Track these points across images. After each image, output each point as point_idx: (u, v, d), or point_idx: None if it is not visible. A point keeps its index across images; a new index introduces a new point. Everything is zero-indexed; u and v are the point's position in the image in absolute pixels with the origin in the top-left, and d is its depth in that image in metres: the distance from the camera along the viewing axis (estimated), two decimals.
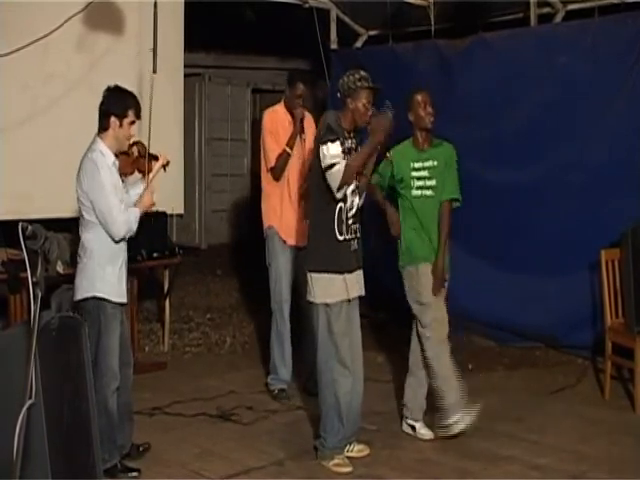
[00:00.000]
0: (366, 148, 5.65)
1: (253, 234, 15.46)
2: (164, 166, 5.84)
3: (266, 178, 7.26)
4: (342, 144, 5.60)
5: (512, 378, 7.74)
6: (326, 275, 5.66)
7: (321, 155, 5.56)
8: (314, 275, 5.70)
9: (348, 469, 5.70)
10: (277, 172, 7.09)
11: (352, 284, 5.75)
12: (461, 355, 8.38)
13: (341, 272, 5.66)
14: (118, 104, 5.47)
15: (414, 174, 6.20)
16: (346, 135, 5.70)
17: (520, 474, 5.61)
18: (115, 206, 5.38)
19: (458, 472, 5.67)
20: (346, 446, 5.87)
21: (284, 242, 7.15)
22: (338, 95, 5.74)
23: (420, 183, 6.20)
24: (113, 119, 5.45)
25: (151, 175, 5.77)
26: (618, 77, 7.48)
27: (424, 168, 6.20)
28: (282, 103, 7.26)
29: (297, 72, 7.46)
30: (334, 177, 5.52)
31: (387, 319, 9.69)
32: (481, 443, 6.16)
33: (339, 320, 5.69)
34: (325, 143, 5.54)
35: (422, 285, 6.25)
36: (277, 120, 7.19)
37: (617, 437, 6.14)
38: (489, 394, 7.28)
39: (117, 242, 5.48)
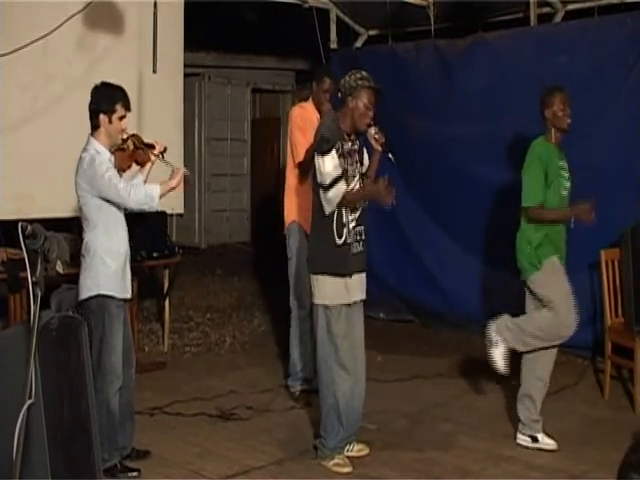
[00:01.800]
0: (365, 193, 5.64)
1: (255, 234, 15.58)
2: (162, 153, 5.81)
3: (292, 173, 7.18)
4: (339, 149, 5.55)
5: (512, 378, 7.72)
6: (326, 277, 5.65)
7: (317, 169, 5.54)
8: (314, 277, 5.71)
9: (348, 469, 5.69)
10: (306, 167, 6.91)
11: (354, 287, 5.72)
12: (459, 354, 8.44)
13: (341, 275, 5.64)
14: (105, 101, 5.47)
15: (562, 172, 6.03)
16: (346, 138, 5.65)
17: (520, 474, 5.61)
18: (118, 184, 5.37)
19: (458, 472, 5.66)
20: (346, 446, 5.86)
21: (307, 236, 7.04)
22: (339, 95, 5.69)
23: (567, 184, 6.05)
24: (102, 116, 5.46)
25: (149, 165, 5.77)
26: (618, 77, 7.48)
27: (564, 168, 6.05)
28: (310, 100, 7.20)
29: (325, 67, 7.37)
30: (329, 200, 5.53)
31: (387, 318, 9.69)
32: (481, 443, 6.16)
33: (339, 322, 5.67)
34: (320, 155, 5.51)
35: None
36: (305, 116, 7.11)
37: (617, 437, 6.10)
38: (490, 394, 7.30)
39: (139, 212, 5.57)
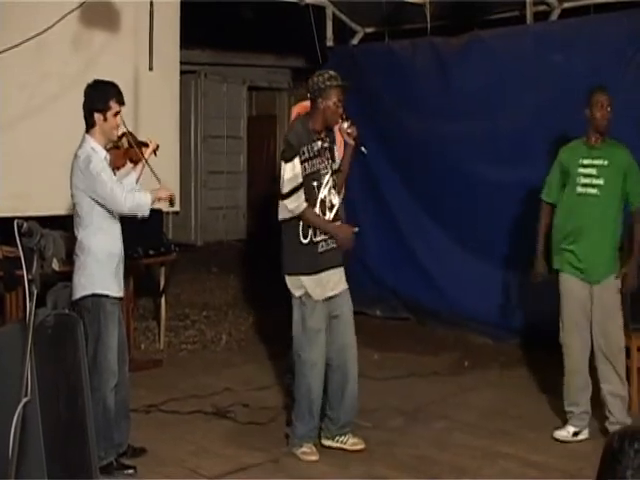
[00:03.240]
0: (325, 227, 5.77)
1: (251, 231, 15.57)
2: (154, 151, 5.87)
3: None
4: (305, 153, 5.69)
5: (508, 376, 7.74)
6: (297, 277, 5.79)
7: (280, 174, 5.72)
8: (287, 277, 5.87)
9: (314, 457, 5.80)
10: None
11: (327, 284, 5.82)
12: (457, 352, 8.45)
13: (305, 274, 5.76)
14: (98, 99, 5.48)
15: (581, 170, 6.03)
16: (315, 137, 5.80)
17: (517, 472, 5.61)
18: (114, 188, 5.39)
19: (455, 470, 5.65)
20: (315, 437, 5.94)
21: None
22: (308, 96, 5.83)
23: (586, 181, 6.02)
24: (97, 115, 5.47)
25: (143, 162, 5.80)
26: (614, 75, 7.47)
27: (593, 166, 6.02)
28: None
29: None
30: (282, 209, 5.73)
31: (384, 316, 9.70)
32: (478, 440, 6.15)
33: (313, 317, 5.77)
34: (283, 161, 5.71)
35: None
36: None
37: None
38: (485, 391, 7.30)
39: (129, 216, 5.56)
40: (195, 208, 15.13)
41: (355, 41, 10.44)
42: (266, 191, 15.85)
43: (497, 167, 8.47)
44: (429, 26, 8.97)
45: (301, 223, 5.72)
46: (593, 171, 6.01)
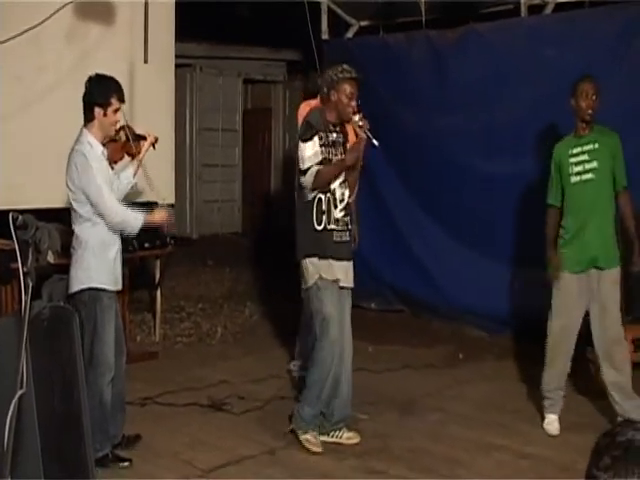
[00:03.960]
0: (339, 164, 5.75)
1: (246, 224, 15.57)
2: (153, 144, 5.89)
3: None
4: (322, 138, 5.70)
5: (503, 368, 7.75)
6: (310, 260, 5.77)
7: (299, 154, 5.70)
8: (301, 262, 5.83)
9: (317, 449, 5.79)
10: None
11: (338, 271, 5.82)
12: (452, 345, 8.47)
13: (324, 257, 5.76)
14: (100, 93, 5.46)
15: (572, 160, 6.01)
16: (331, 128, 5.81)
17: (510, 463, 5.63)
18: (108, 198, 5.41)
19: (449, 462, 5.67)
20: (319, 426, 5.93)
21: None
22: (324, 90, 5.83)
23: (579, 168, 6.00)
24: (97, 109, 5.45)
25: (141, 155, 5.84)
26: (607, 68, 7.47)
27: (583, 152, 6.00)
28: (318, 98, 7.13)
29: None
30: (306, 182, 5.68)
31: (379, 309, 9.71)
32: (472, 432, 6.17)
33: (331, 301, 5.78)
34: (303, 142, 5.68)
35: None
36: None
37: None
38: (480, 383, 7.32)
39: (115, 233, 5.51)
40: (190, 201, 15.10)
41: (350, 34, 10.43)
42: (261, 184, 15.87)
43: (493, 160, 8.48)
44: (424, 19, 8.97)
45: (315, 209, 5.72)
46: (585, 157, 5.99)
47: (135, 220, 5.52)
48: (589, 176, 5.99)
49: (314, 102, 7.16)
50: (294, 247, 5.91)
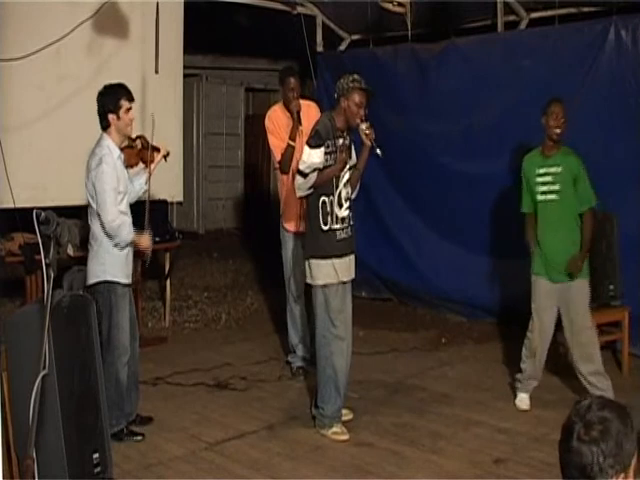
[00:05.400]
0: (330, 172, 5.65)
1: (247, 220, 15.57)
2: (165, 156, 5.98)
3: (278, 174, 7.11)
4: (329, 146, 5.62)
5: (481, 351, 7.78)
6: (316, 260, 5.71)
7: (304, 157, 5.61)
8: (307, 261, 5.79)
9: (345, 437, 5.70)
10: (284, 166, 6.87)
11: (341, 268, 5.75)
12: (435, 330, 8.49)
13: (327, 257, 5.69)
14: (109, 101, 5.49)
15: (538, 179, 6.03)
16: (339, 134, 5.72)
17: (487, 437, 5.66)
18: (111, 203, 5.41)
19: (432, 435, 5.70)
20: (341, 416, 5.86)
21: (287, 230, 7.03)
22: (335, 96, 5.75)
23: (544, 188, 6.01)
24: (111, 116, 5.48)
25: (153, 165, 5.89)
26: (576, 80, 7.49)
27: (548, 174, 6.00)
28: (281, 102, 7.07)
29: (286, 68, 7.28)
30: (299, 184, 5.63)
31: (368, 297, 9.71)
32: (453, 409, 6.21)
33: (336, 299, 5.72)
34: (309, 147, 5.59)
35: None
36: (276, 119, 7.01)
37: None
38: (460, 365, 7.34)
39: (107, 236, 5.49)
40: (197, 199, 15.08)
41: (342, 47, 10.43)
42: (261, 183, 15.86)
43: (471, 160, 8.49)
44: (410, 33, 8.97)
45: (321, 211, 5.66)
46: (549, 178, 6.00)
47: (127, 234, 5.51)
48: (553, 197, 6.00)
49: (276, 106, 7.13)
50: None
